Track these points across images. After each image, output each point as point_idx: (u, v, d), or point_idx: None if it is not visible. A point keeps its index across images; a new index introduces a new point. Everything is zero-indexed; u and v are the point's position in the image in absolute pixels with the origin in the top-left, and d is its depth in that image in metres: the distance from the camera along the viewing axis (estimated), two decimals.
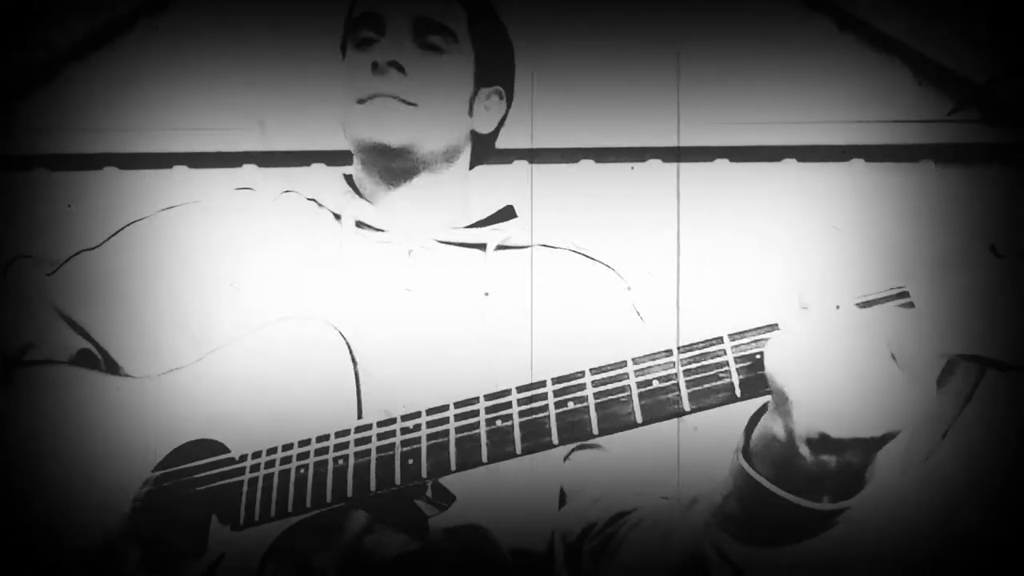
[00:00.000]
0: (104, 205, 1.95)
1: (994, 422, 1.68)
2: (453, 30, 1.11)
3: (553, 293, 1.09)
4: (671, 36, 2.02)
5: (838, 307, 0.68)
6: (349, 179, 1.17)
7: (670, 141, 1.99)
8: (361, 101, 1.08)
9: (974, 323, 0.61)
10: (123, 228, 1.12)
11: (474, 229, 1.13)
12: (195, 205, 1.14)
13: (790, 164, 2.00)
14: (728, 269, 1.93)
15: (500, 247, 1.12)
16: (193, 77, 1.95)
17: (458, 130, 1.14)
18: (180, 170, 1.98)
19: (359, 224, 1.10)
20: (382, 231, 1.10)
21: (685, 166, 2.00)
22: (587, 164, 2.02)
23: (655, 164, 2.01)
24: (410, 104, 1.07)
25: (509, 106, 1.21)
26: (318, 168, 1.97)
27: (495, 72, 1.17)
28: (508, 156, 2.00)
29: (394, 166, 1.10)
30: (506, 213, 1.17)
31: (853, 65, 2.01)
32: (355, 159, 1.15)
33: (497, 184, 1.24)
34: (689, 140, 1.99)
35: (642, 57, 2.02)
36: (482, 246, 1.11)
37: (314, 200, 1.14)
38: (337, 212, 1.11)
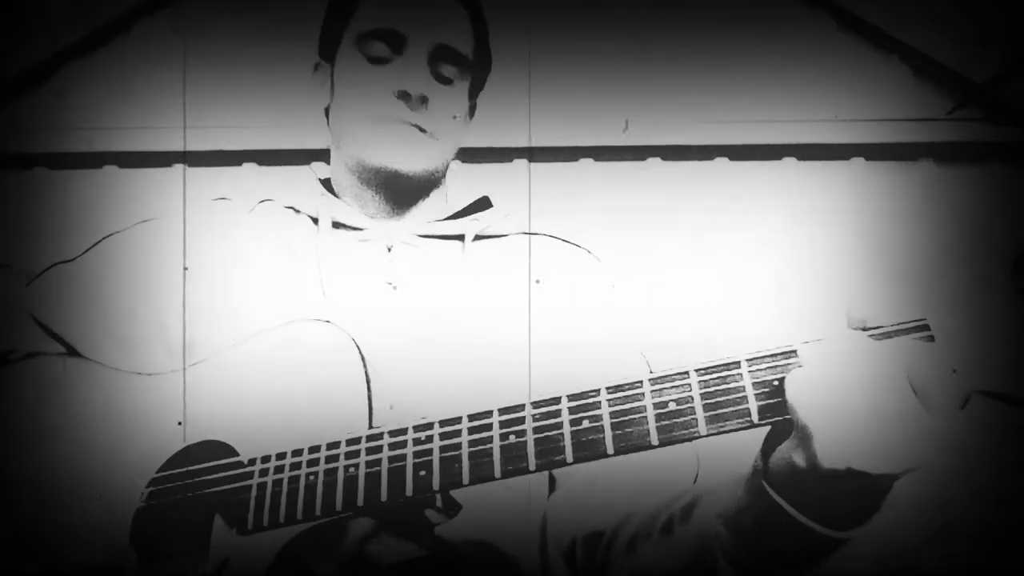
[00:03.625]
0: (104, 203, 1.95)
1: (990, 438, 1.69)
2: (466, 57, 1.11)
3: (543, 288, 1.08)
4: (670, 34, 2.02)
5: (861, 329, 0.68)
6: (325, 183, 1.17)
7: (670, 140, 1.99)
8: (378, 123, 1.07)
9: (996, 357, 0.61)
10: (100, 240, 1.12)
11: (452, 221, 1.13)
12: (174, 217, 1.13)
13: (790, 163, 2.00)
14: (728, 269, 1.94)
15: (479, 237, 1.12)
16: (193, 75, 1.95)
17: (456, 149, 1.15)
18: (180, 168, 1.98)
19: (336, 225, 1.10)
20: (360, 229, 1.11)
21: (685, 165, 2.00)
22: (587, 163, 2.02)
23: (655, 163, 2.01)
24: (426, 132, 1.07)
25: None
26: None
27: (479, 89, 1.19)
28: (508, 155, 2.00)
29: (398, 187, 1.11)
30: (482, 204, 1.17)
31: (853, 63, 2.01)
32: (339, 163, 1.14)
33: (472, 181, 1.25)
34: (689, 139, 1.99)
35: (641, 56, 2.02)
36: (460, 237, 1.11)
37: (292, 207, 1.13)
38: (314, 216, 1.12)
